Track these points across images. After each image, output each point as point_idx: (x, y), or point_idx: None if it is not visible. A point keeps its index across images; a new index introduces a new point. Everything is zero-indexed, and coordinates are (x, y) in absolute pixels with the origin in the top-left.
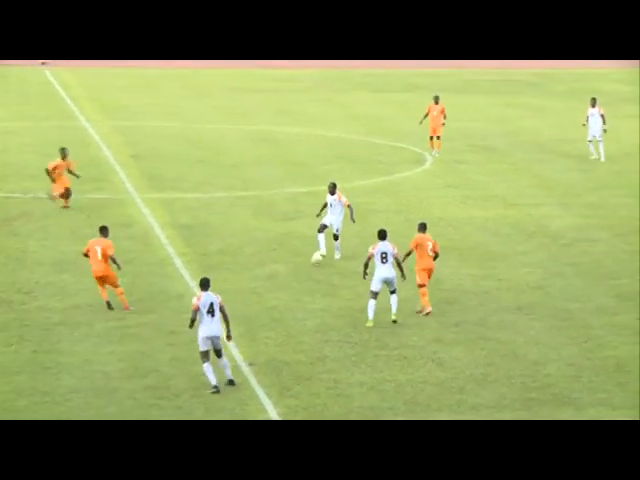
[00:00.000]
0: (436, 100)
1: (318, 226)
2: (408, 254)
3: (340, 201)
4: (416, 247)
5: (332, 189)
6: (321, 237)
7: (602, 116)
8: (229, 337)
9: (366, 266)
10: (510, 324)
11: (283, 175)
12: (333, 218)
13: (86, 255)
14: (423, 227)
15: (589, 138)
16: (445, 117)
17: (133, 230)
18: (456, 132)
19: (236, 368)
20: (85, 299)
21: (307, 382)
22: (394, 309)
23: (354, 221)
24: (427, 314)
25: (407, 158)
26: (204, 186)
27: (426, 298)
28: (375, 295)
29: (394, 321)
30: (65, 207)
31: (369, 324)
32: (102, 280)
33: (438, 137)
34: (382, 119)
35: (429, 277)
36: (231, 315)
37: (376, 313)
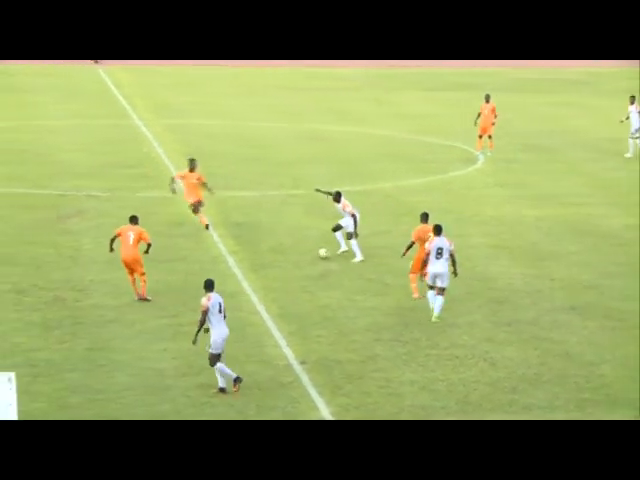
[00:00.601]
0: (487, 99)
1: (333, 225)
2: (410, 246)
3: (345, 210)
4: (417, 239)
5: (337, 197)
6: (338, 234)
7: None
8: None
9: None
10: (563, 324)
11: (334, 174)
12: (347, 222)
13: (114, 239)
14: (425, 218)
15: (630, 135)
16: (496, 116)
17: (185, 228)
18: (507, 131)
19: (288, 366)
20: None
21: (359, 381)
22: (437, 311)
23: (357, 235)
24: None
25: (458, 157)
26: (255, 184)
27: (414, 285)
28: (431, 287)
29: (434, 322)
30: (206, 226)
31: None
32: (131, 267)
33: (489, 136)
34: (433, 118)
35: (420, 268)
36: (283, 313)
37: (428, 311)
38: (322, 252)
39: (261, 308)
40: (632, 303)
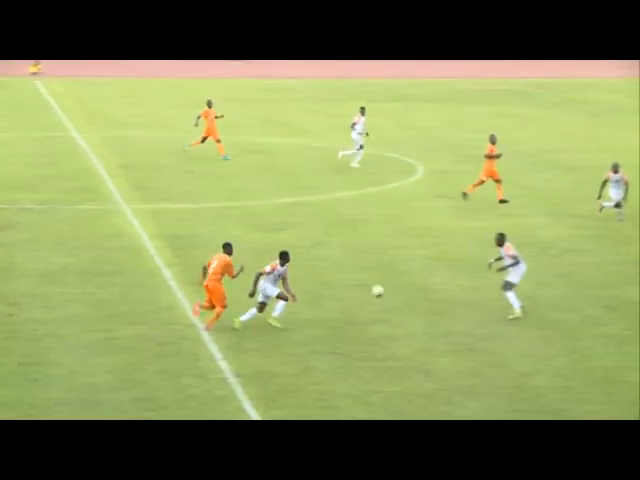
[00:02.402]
0: (209, 104)
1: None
2: None
3: (508, 254)
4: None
5: (500, 240)
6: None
7: None
8: None
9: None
10: (499, 335)
11: (271, 185)
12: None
13: (205, 268)
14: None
15: None
16: (217, 117)
17: (122, 241)
18: (447, 143)
19: (223, 380)
20: (72, 311)
21: (293, 394)
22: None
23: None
24: None
25: (397, 168)
26: (192, 196)
27: None
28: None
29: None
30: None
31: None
32: (209, 295)
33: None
34: (375, 130)
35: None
36: (219, 327)
37: (364, 323)
38: (377, 290)
39: (196, 321)
40: (566, 314)
